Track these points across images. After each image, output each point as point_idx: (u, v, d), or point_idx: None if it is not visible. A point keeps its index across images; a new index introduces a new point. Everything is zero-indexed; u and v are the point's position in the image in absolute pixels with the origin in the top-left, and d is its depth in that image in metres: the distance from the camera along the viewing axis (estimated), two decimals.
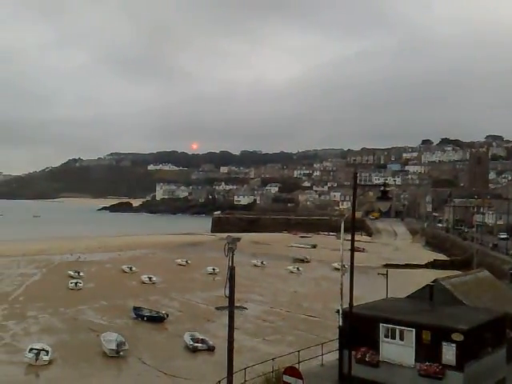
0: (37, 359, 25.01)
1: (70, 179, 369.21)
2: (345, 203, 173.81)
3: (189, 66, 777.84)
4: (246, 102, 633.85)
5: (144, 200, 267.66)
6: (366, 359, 17.47)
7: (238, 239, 12.85)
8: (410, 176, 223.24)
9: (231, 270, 12.65)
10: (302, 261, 69.07)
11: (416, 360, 16.39)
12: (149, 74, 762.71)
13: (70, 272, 53.10)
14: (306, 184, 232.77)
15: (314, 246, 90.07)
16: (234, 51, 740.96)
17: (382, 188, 15.74)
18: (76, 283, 47.00)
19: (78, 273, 52.72)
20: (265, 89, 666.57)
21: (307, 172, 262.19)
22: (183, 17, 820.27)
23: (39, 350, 25.62)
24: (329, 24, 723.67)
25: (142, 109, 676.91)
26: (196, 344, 28.14)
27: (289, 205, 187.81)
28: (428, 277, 31.20)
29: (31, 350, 25.77)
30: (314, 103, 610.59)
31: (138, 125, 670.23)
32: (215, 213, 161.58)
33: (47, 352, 25.81)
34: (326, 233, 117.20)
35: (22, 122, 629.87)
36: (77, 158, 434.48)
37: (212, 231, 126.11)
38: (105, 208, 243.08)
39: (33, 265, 60.98)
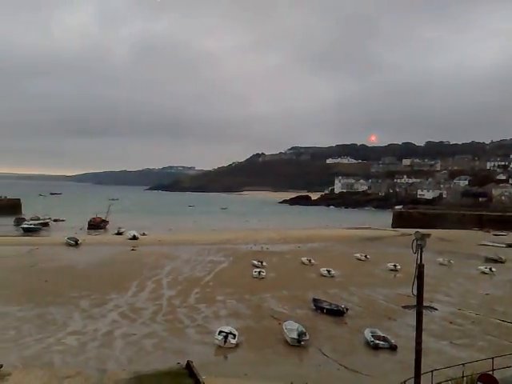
0: (225, 342, 26.44)
1: (253, 173, 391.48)
2: None
3: (380, 57, 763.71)
4: (439, 91, 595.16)
5: (322, 193, 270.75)
6: None
7: (428, 235, 11.85)
8: None
9: (420, 267, 11.73)
10: (496, 261, 62.73)
11: None
12: (336, 68, 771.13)
13: (253, 261, 55.94)
14: (501, 177, 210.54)
15: (511, 246, 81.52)
16: (430, 38, 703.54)
17: None
18: (259, 272, 49.27)
19: (261, 262, 55.11)
20: (462, 76, 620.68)
21: (502, 164, 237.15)
22: (376, 6, 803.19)
23: (227, 334, 27.06)
24: None
25: (325, 103, 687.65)
26: (377, 341, 27.24)
27: (480, 199, 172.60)
28: None
29: (220, 332, 27.34)
30: None
31: (320, 119, 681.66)
32: (396, 207, 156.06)
33: (234, 336, 27.18)
34: None
35: (216, 121, 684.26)
36: (260, 153, 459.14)
37: (393, 226, 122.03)
38: (285, 201, 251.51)
39: (221, 253, 65.53)
